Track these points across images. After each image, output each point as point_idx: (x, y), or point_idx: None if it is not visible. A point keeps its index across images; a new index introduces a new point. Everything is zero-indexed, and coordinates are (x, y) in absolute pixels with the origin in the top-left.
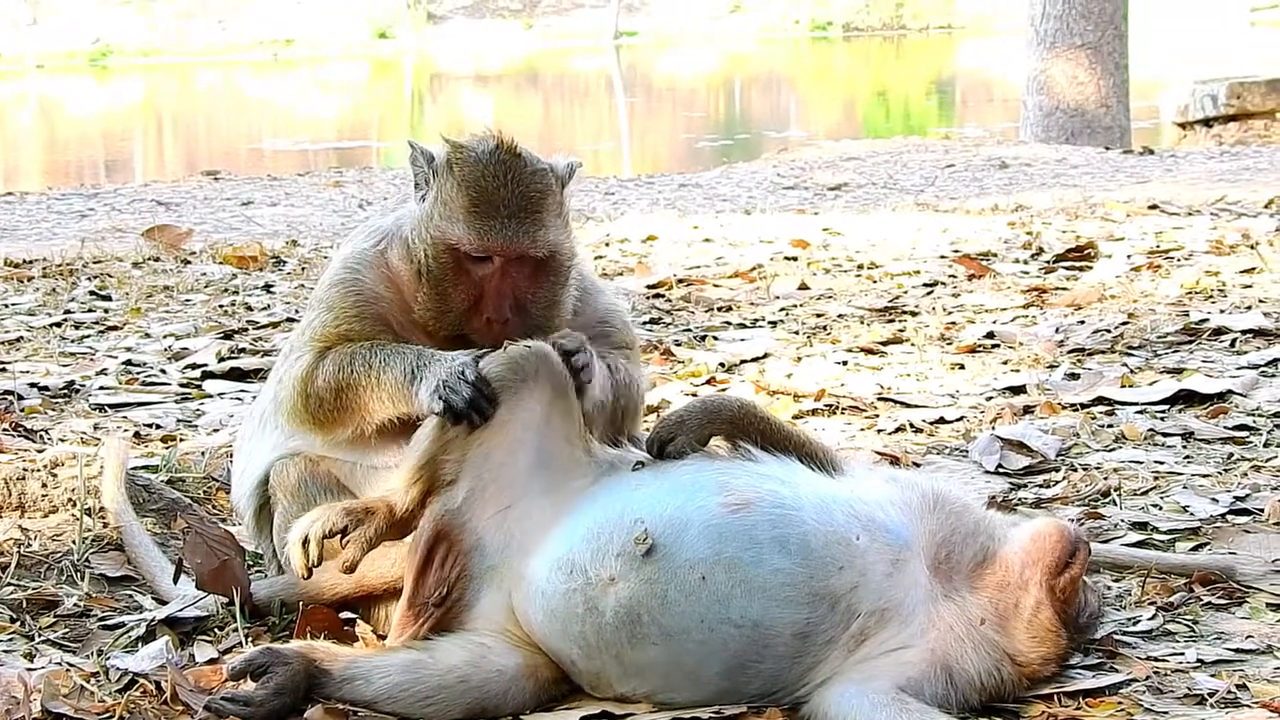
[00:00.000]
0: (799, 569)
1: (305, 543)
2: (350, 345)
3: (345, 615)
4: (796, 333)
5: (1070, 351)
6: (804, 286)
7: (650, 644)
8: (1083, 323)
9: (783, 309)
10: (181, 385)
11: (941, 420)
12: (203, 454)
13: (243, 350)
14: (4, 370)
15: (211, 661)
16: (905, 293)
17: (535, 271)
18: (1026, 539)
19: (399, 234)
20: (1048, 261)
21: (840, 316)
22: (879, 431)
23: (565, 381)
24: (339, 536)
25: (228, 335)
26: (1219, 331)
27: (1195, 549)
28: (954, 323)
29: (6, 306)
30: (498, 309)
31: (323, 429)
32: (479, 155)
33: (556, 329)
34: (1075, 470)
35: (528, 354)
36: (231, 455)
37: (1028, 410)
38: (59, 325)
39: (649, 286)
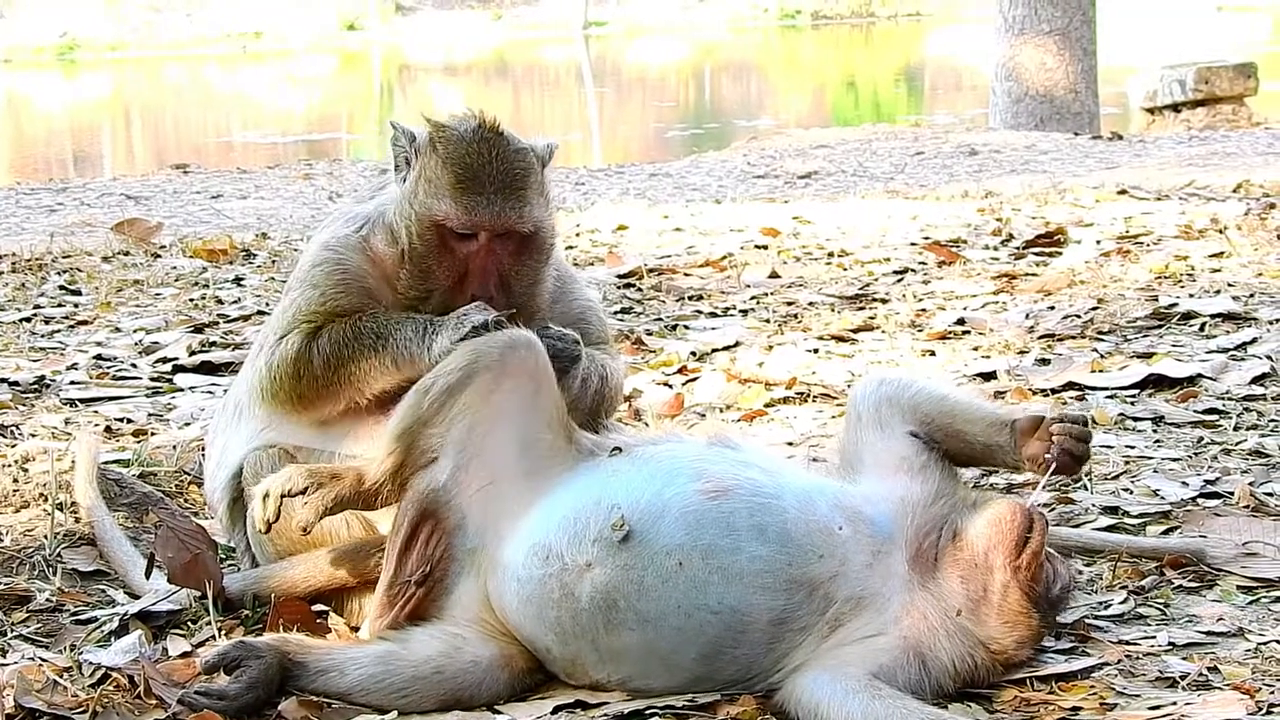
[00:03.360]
0: (777, 556)
1: (266, 497)
2: (346, 319)
3: (318, 608)
4: (767, 321)
5: (1040, 337)
6: (774, 275)
7: (627, 629)
8: (1053, 308)
9: (753, 297)
10: (152, 379)
11: None
12: (174, 447)
13: (213, 344)
14: None
15: (185, 655)
16: (876, 280)
17: (519, 248)
18: (985, 523)
19: (381, 219)
20: (1017, 247)
21: (811, 304)
22: None
23: (548, 366)
24: (299, 497)
25: (198, 329)
26: (1188, 316)
27: (1166, 532)
28: (924, 310)
29: None
30: (483, 286)
31: (312, 408)
32: (463, 133)
33: (539, 307)
34: None
35: (522, 335)
36: (203, 448)
37: (999, 396)
38: (29, 320)
39: (620, 276)
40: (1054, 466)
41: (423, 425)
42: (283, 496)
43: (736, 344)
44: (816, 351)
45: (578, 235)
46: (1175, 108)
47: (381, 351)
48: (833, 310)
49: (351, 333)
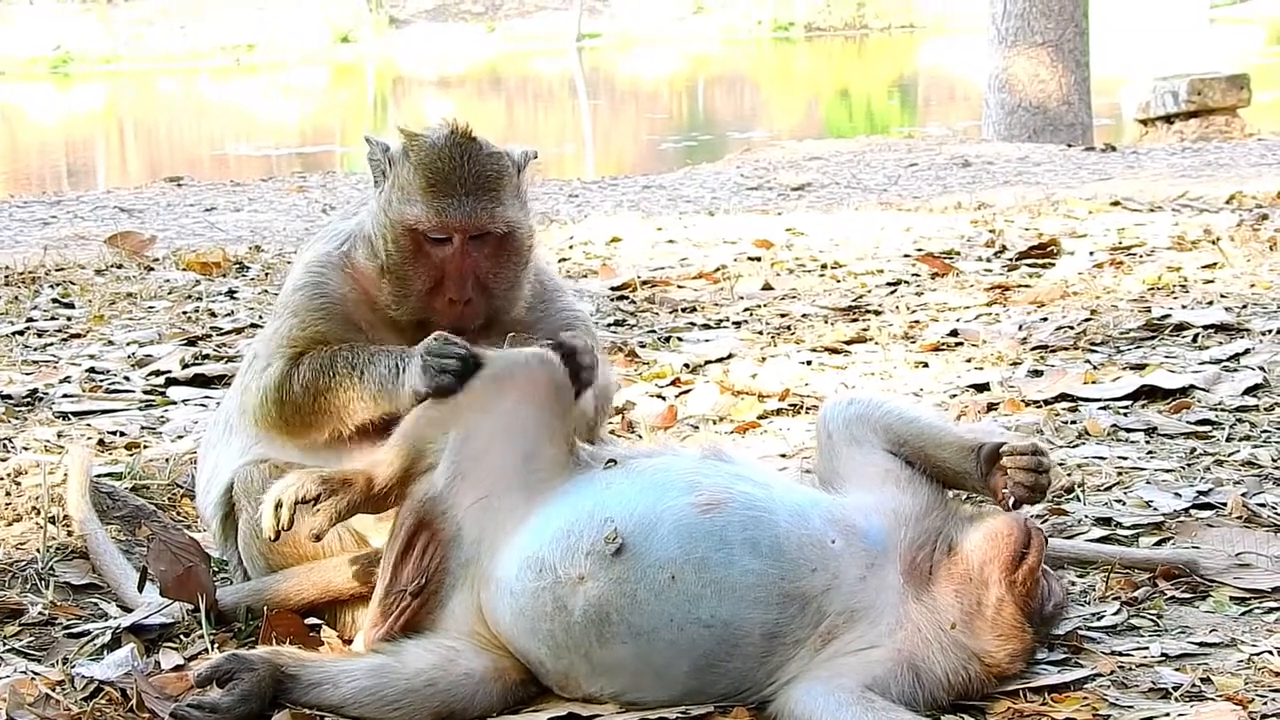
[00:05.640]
0: (770, 570)
1: (278, 506)
2: (326, 348)
3: (311, 621)
4: (761, 333)
5: (1033, 348)
6: (768, 287)
7: (619, 643)
8: (1045, 320)
9: (747, 309)
10: (145, 392)
11: None
12: (167, 461)
13: (206, 356)
14: None
15: (177, 668)
16: (869, 292)
17: (495, 250)
18: (982, 537)
19: (361, 233)
20: (1010, 259)
21: (804, 316)
22: None
23: (566, 383)
24: (311, 504)
25: (191, 342)
26: (1181, 327)
27: (1159, 544)
28: (918, 321)
29: None
30: (459, 289)
31: (298, 435)
32: (434, 140)
33: (518, 312)
34: None
35: (534, 352)
36: (196, 462)
37: (991, 407)
38: (22, 333)
39: (613, 288)
40: (1012, 501)
41: (428, 427)
42: (296, 504)
43: (730, 356)
44: (810, 363)
45: (571, 247)
46: (1168, 119)
47: (360, 385)
48: (826, 322)
49: (327, 363)
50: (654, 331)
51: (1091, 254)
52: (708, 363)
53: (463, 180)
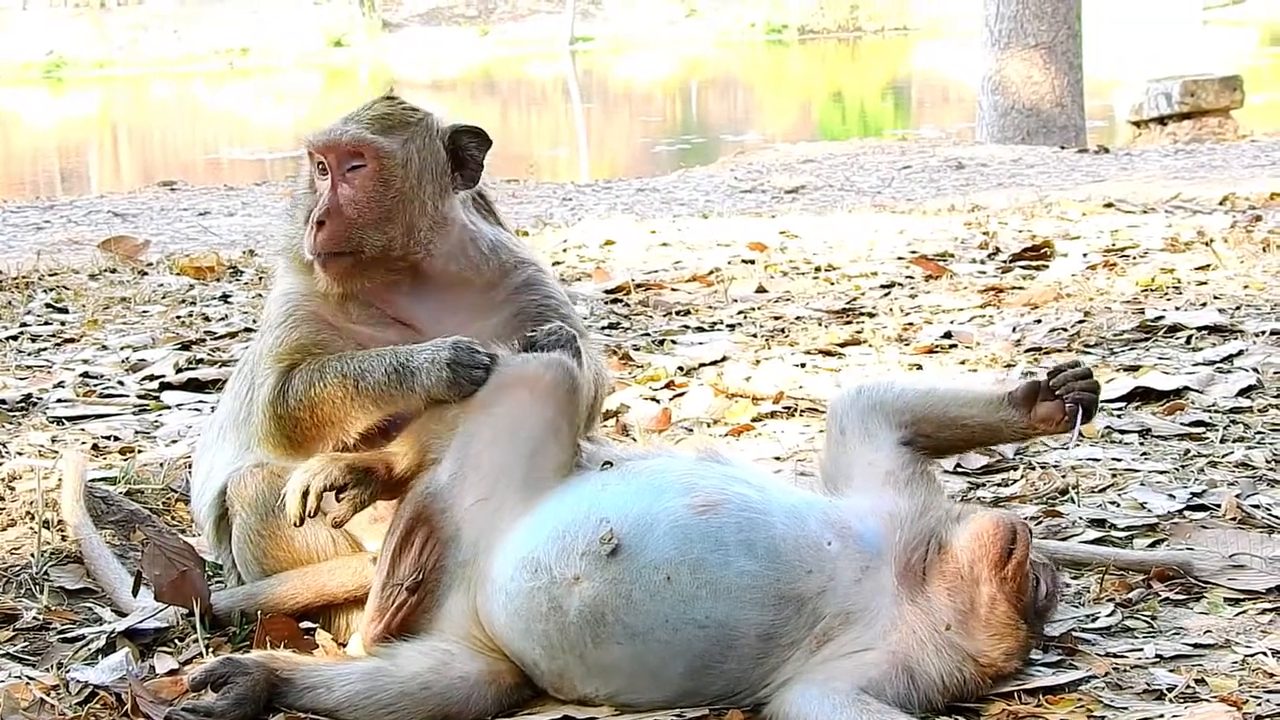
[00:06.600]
0: (766, 571)
1: (305, 494)
2: (318, 359)
3: (305, 625)
4: (755, 335)
5: (1027, 350)
6: (762, 289)
7: (614, 643)
8: (1039, 322)
9: (741, 312)
10: (139, 397)
11: None
12: (161, 465)
13: (200, 361)
14: None
15: (172, 673)
16: (863, 294)
17: (364, 180)
18: (969, 536)
19: None
20: (1004, 261)
21: (798, 319)
22: None
23: (577, 389)
24: (337, 492)
25: (185, 346)
26: (1175, 328)
27: (1153, 545)
28: (911, 323)
29: None
30: (318, 210)
31: (302, 448)
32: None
33: (394, 247)
34: (1033, 469)
35: (548, 358)
36: (190, 466)
37: None
38: (15, 338)
39: (607, 291)
40: (1080, 415)
41: (437, 427)
42: (323, 492)
43: (724, 359)
44: (804, 366)
45: (565, 251)
46: (1161, 121)
47: (361, 393)
48: (820, 324)
49: (322, 374)
50: (648, 334)
51: (1085, 256)
52: (702, 365)
53: (351, 115)
